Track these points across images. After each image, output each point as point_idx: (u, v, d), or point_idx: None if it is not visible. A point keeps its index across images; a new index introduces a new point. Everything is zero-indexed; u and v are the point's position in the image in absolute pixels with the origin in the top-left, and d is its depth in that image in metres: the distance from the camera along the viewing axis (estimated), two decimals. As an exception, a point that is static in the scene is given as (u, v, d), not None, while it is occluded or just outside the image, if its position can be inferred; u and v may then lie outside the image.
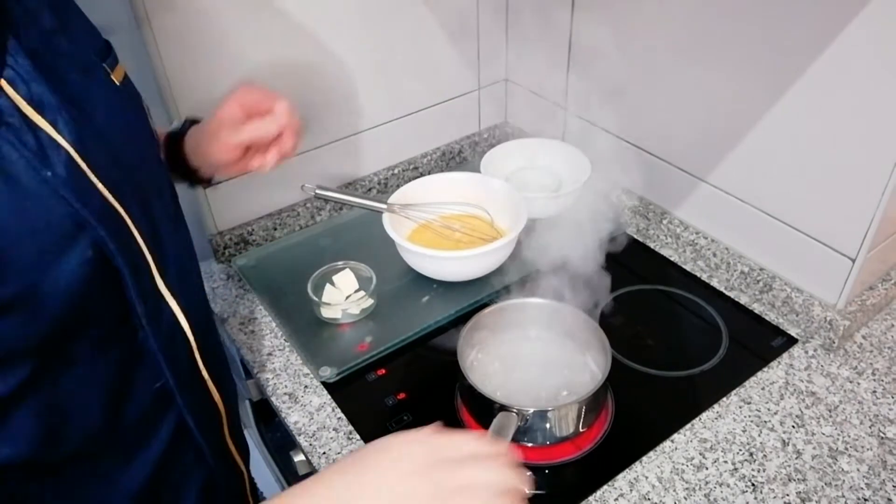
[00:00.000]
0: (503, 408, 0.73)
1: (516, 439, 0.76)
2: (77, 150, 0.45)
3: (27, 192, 0.42)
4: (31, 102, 0.43)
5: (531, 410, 0.73)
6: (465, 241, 0.98)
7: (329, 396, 0.85)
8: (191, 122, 0.78)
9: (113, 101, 0.53)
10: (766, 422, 0.80)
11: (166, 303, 0.54)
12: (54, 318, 0.43)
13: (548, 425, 0.76)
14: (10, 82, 0.42)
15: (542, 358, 0.86)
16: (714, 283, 1.00)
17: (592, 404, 0.78)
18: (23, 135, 0.42)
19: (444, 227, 1.00)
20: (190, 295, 0.58)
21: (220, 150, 0.73)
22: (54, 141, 0.44)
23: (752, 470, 0.75)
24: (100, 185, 0.47)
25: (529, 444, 0.77)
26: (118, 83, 0.54)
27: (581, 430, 0.78)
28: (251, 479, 0.73)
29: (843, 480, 0.74)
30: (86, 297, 0.45)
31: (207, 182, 0.80)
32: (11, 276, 0.40)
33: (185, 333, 0.56)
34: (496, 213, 1.03)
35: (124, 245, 0.48)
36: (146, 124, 0.58)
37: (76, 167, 0.45)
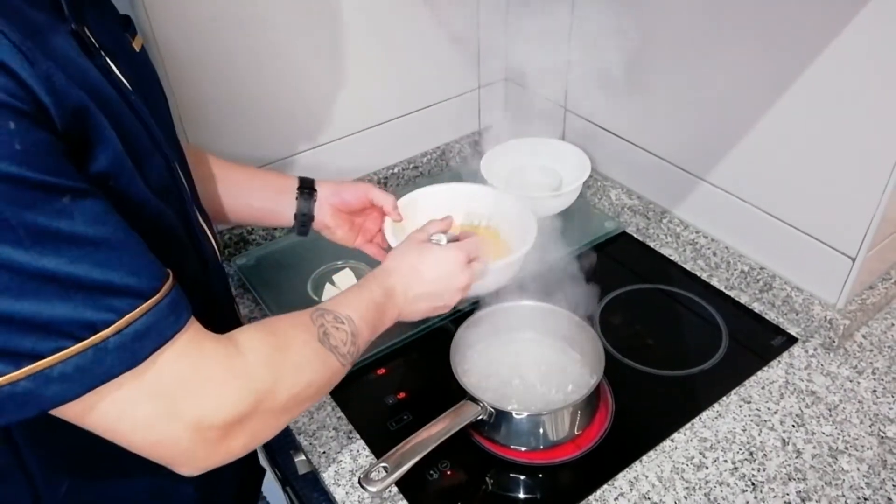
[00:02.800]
0: (471, 398, 0.76)
1: (507, 443, 0.78)
2: (134, 89, 0.55)
3: (125, 107, 0.52)
4: (102, 48, 0.53)
5: (495, 409, 0.75)
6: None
7: (329, 396, 0.85)
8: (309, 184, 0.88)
9: (138, 61, 0.63)
10: (766, 421, 0.80)
11: (206, 232, 0.66)
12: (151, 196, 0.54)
13: (542, 429, 0.76)
14: (90, 30, 0.52)
15: (536, 361, 0.87)
16: (714, 282, 1.00)
17: (587, 408, 0.78)
18: (108, 69, 0.52)
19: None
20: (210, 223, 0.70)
21: (353, 188, 0.87)
22: (120, 79, 0.54)
23: (753, 469, 0.75)
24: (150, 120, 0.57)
25: (523, 449, 0.77)
26: (137, 50, 0.64)
27: (576, 432, 0.78)
28: None
29: (843, 480, 0.74)
30: (167, 197, 0.57)
31: (306, 230, 0.88)
32: (133, 153, 0.51)
33: (213, 246, 0.69)
34: (505, 227, 1.02)
35: (177, 170, 0.60)
36: (160, 85, 0.68)
37: (137, 102, 0.55)
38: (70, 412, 0.46)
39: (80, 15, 0.51)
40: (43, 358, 0.43)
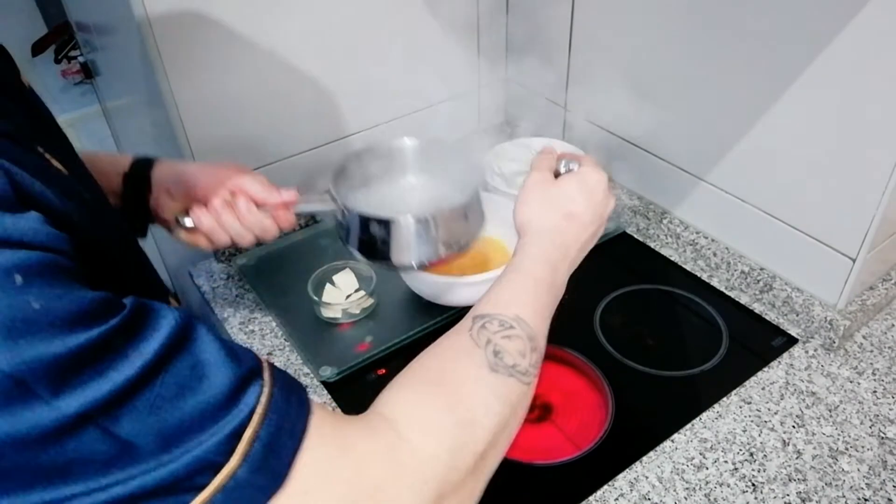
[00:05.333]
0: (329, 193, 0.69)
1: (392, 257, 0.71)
2: (64, 166, 0.46)
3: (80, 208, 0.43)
4: (19, 134, 0.43)
5: (347, 208, 0.68)
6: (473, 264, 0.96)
7: (329, 396, 0.85)
8: (145, 161, 0.71)
9: (31, 102, 0.53)
10: (766, 422, 0.80)
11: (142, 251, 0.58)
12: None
13: (427, 233, 0.69)
14: (10, 122, 0.43)
15: (419, 206, 0.79)
16: (714, 282, 1.00)
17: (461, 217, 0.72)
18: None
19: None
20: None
21: (209, 172, 0.69)
22: (57, 168, 0.45)
23: (753, 470, 0.75)
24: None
25: (413, 263, 0.71)
26: (27, 87, 0.53)
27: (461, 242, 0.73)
28: None
29: (844, 480, 0.74)
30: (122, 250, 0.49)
31: (144, 229, 0.73)
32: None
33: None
34: (505, 232, 1.01)
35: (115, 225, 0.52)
36: (52, 117, 0.57)
37: (76, 186, 0.46)
38: None
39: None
40: None
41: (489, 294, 0.54)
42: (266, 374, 0.38)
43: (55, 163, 0.45)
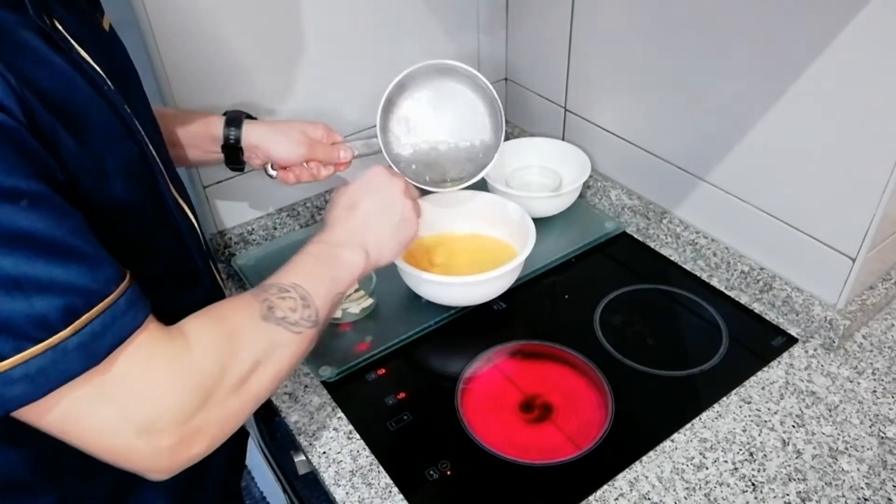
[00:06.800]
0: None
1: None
2: (108, 76, 0.56)
3: (96, 98, 0.53)
4: (73, 38, 0.53)
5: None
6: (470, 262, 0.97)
7: (329, 396, 0.85)
8: (235, 129, 0.88)
9: (108, 42, 0.63)
10: (766, 421, 0.80)
11: (180, 205, 0.67)
12: (117, 190, 0.55)
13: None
14: (59, 21, 0.52)
15: (452, 121, 0.95)
16: (714, 282, 1.00)
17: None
18: (80, 62, 0.52)
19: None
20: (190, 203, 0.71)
21: (287, 148, 0.87)
22: (94, 68, 0.54)
23: (753, 470, 0.75)
24: (126, 107, 0.57)
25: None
26: (107, 29, 0.64)
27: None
28: None
29: (844, 480, 0.74)
30: (135, 180, 0.58)
31: (241, 169, 0.92)
32: (97, 146, 0.52)
33: (195, 227, 0.70)
34: (506, 231, 1.02)
35: (150, 152, 0.60)
36: (133, 65, 0.68)
37: (110, 91, 0.55)
38: (28, 414, 0.47)
39: (47, 9, 0.52)
40: (5, 359, 0.43)
41: (278, 270, 0.65)
42: (122, 285, 0.49)
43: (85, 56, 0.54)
